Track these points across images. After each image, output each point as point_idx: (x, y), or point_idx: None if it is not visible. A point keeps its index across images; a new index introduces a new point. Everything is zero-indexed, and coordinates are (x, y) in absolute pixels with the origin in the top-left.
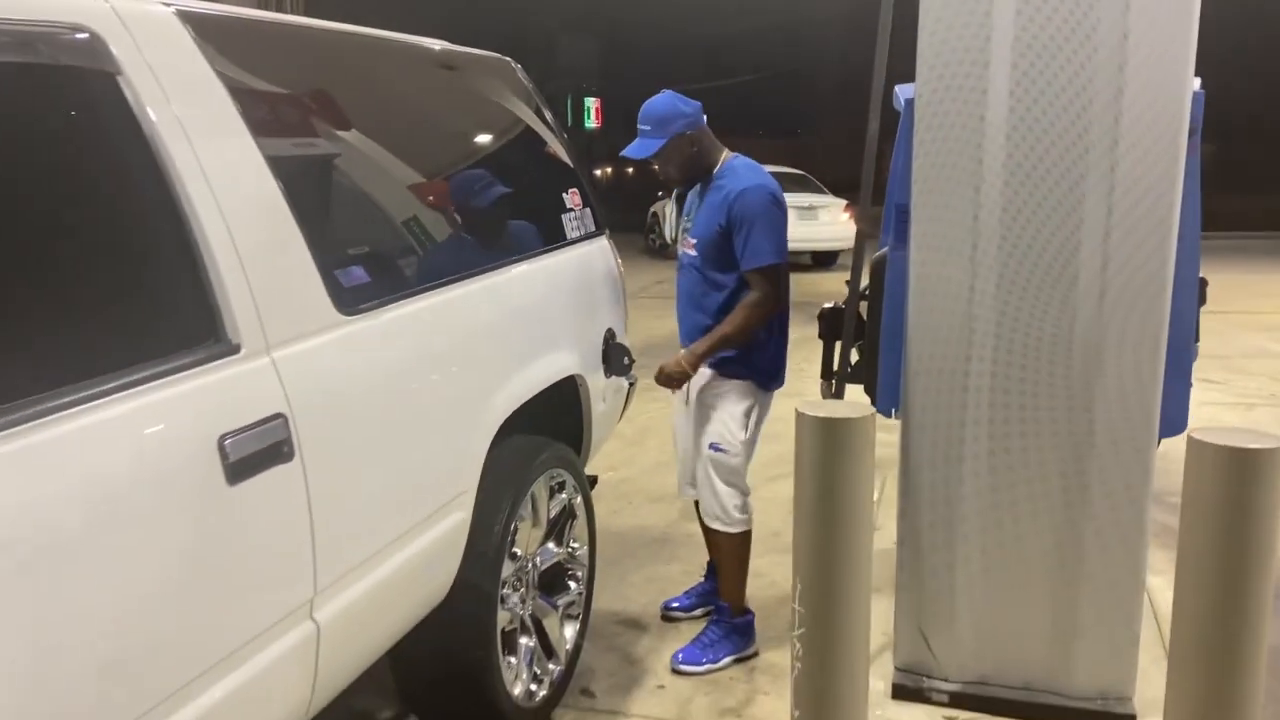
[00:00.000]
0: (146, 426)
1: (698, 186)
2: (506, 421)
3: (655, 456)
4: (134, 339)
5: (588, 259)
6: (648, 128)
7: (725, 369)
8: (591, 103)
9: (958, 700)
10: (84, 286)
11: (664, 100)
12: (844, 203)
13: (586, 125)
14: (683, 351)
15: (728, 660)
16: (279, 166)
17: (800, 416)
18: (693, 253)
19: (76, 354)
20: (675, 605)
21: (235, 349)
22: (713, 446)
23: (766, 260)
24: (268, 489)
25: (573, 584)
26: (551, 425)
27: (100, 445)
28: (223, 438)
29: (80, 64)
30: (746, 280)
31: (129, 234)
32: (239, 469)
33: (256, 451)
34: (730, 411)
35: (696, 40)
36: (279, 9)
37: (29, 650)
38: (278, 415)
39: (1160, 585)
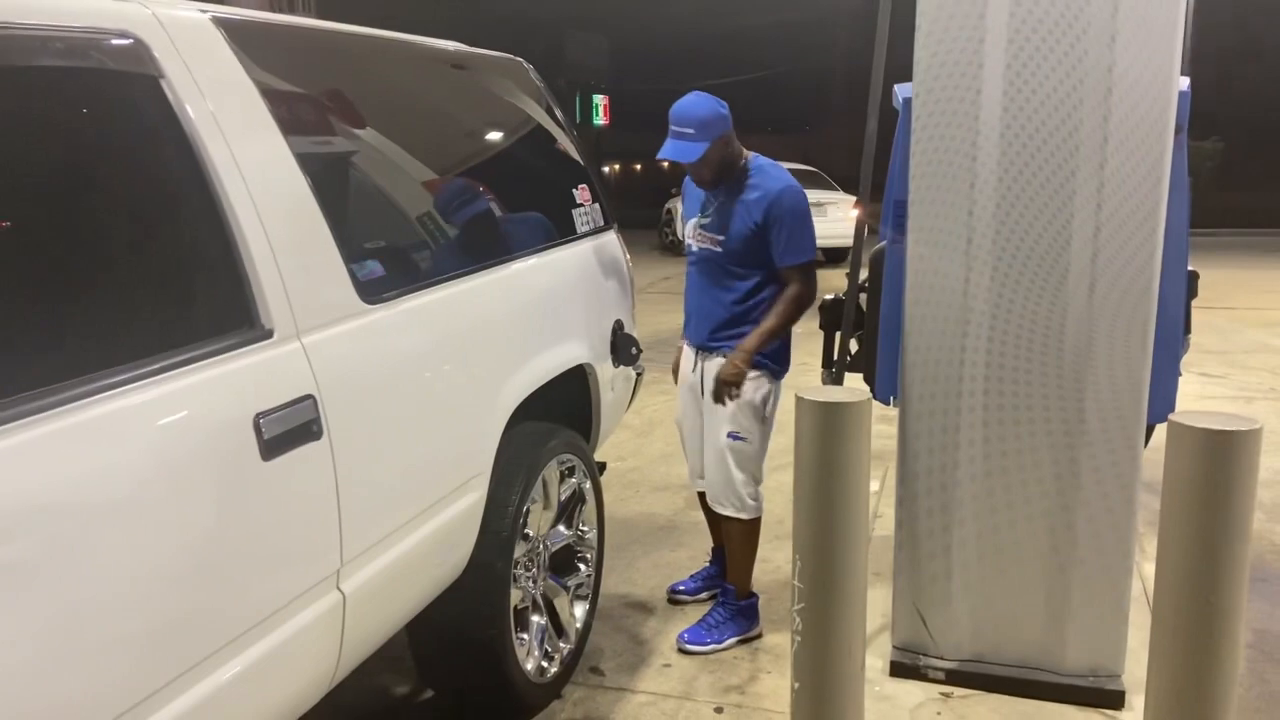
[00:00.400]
0: (191, 404)
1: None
2: (519, 408)
3: (662, 447)
4: (179, 323)
5: (597, 252)
6: (690, 131)
7: None
8: (600, 100)
9: (953, 677)
10: (133, 275)
11: (704, 103)
12: (853, 199)
13: (595, 122)
14: (732, 353)
15: (732, 641)
16: (306, 163)
17: (800, 401)
18: (717, 249)
19: (127, 337)
20: (681, 589)
21: (269, 334)
22: (732, 435)
23: (806, 257)
24: (298, 465)
25: (582, 566)
26: (562, 413)
27: (150, 420)
28: (258, 416)
29: (126, 68)
30: (784, 276)
31: (173, 227)
32: (273, 446)
33: (288, 430)
34: (748, 400)
35: (704, 37)
36: (290, 10)
37: (79, 609)
38: (307, 396)
39: (1153, 571)
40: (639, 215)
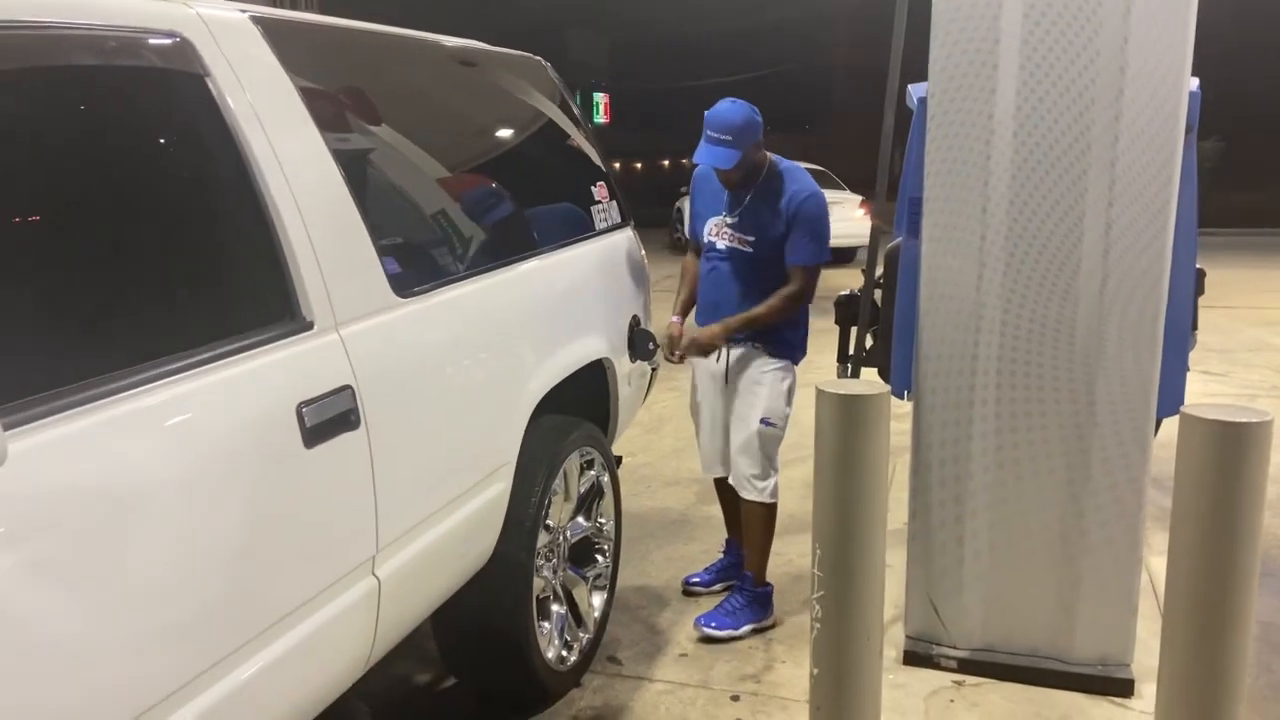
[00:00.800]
0: (239, 392)
1: (711, 178)
2: (542, 401)
3: (672, 443)
4: (228, 314)
5: (615, 248)
6: (728, 138)
7: (771, 349)
8: (600, 98)
9: (965, 666)
10: (184, 268)
11: (741, 110)
12: (859, 199)
13: (595, 120)
14: (715, 325)
15: (748, 629)
16: (340, 159)
17: (820, 393)
18: (747, 248)
19: (181, 327)
20: (696, 580)
21: (309, 326)
22: (764, 421)
23: (813, 260)
24: (337, 454)
25: (600, 557)
26: (581, 406)
27: (201, 407)
28: (300, 405)
29: (175, 66)
30: (789, 272)
31: (221, 221)
32: (314, 434)
33: (329, 419)
34: (778, 389)
35: (704, 36)
36: (293, 6)
37: (130, 593)
38: (346, 387)
39: (1160, 565)
40: (639, 215)
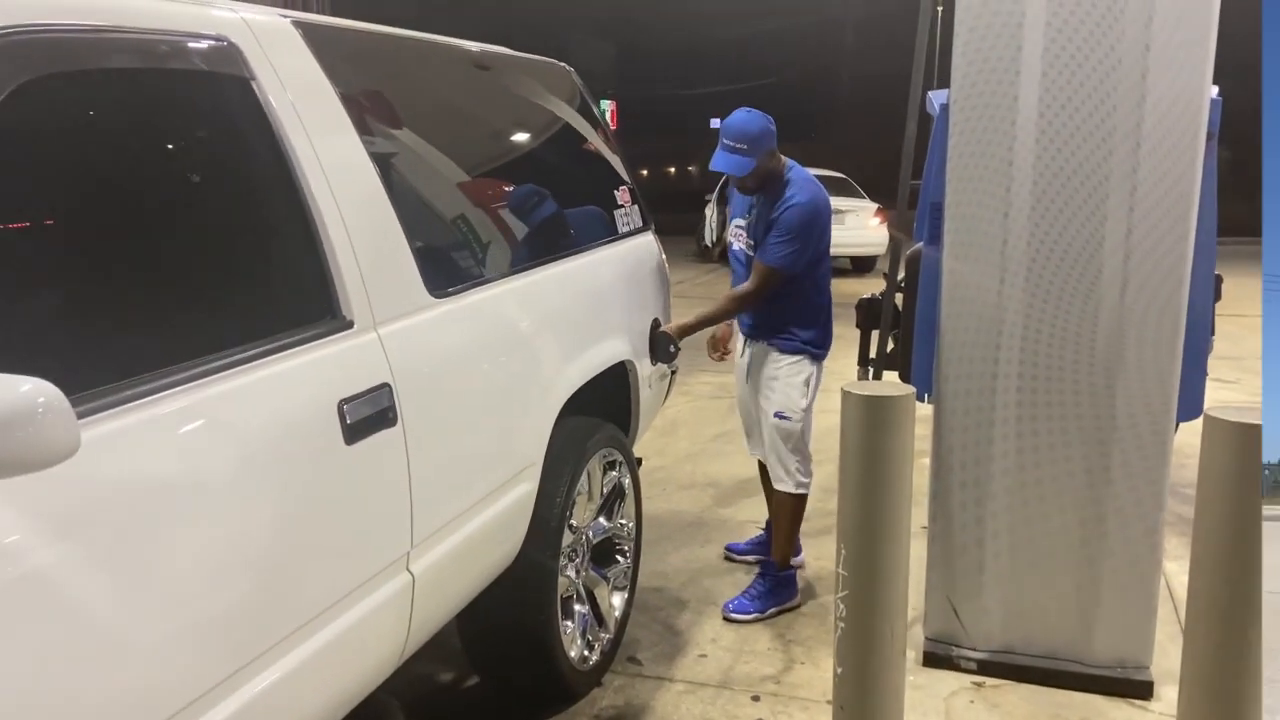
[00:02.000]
0: (286, 388)
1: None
2: (567, 401)
3: (686, 447)
4: (275, 313)
5: (637, 252)
6: (743, 146)
7: (784, 346)
8: (607, 105)
9: (985, 668)
10: (232, 267)
11: (756, 120)
12: (875, 207)
13: None
14: (673, 324)
15: (773, 610)
16: (378, 162)
17: (846, 395)
18: (752, 252)
19: (230, 325)
20: (735, 550)
21: (349, 324)
22: (778, 415)
23: (776, 262)
24: (376, 450)
25: (620, 558)
26: (603, 408)
27: (252, 402)
28: (342, 402)
29: (223, 70)
30: (754, 268)
31: (267, 222)
32: (355, 430)
33: (368, 416)
34: (791, 382)
35: (708, 43)
36: (303, 8)
37: (174, 587)
38: (384, 384)
39: (1175, 570)
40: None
